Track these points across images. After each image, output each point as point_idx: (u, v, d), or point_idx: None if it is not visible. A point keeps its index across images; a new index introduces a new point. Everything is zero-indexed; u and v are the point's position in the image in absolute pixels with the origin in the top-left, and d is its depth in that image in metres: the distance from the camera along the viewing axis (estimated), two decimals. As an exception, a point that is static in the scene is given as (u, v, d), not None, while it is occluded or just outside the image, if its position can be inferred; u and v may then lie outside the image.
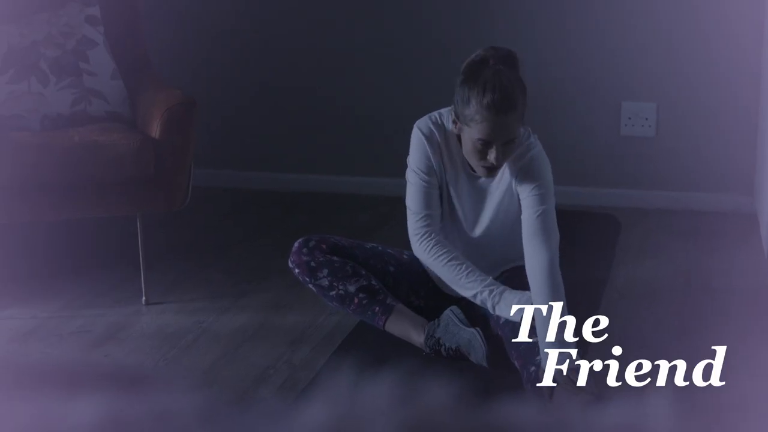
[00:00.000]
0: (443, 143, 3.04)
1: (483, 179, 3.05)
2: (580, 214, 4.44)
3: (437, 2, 4.63)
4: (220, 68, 4.99)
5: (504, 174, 3.01)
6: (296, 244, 3.19)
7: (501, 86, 2.84)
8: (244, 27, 4.93)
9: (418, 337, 3.05)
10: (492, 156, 2.87)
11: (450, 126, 3.03)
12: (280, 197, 4.88)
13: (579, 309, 3.35)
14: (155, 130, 3.57)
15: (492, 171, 2.94)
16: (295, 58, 4.91)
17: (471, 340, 2.94)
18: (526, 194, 2.97)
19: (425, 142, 3.02)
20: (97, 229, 4.39)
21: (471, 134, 2.88)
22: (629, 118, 4.61)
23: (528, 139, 3.01)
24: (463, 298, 3.17)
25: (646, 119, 4.59)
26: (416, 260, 3.23)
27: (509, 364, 2.91)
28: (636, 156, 4.64)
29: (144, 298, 3.68)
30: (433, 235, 3.05)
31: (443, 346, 2.99)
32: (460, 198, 3.08)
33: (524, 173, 2.98)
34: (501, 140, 2.86)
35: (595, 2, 4.56)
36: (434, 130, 3.03)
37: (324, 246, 3.16)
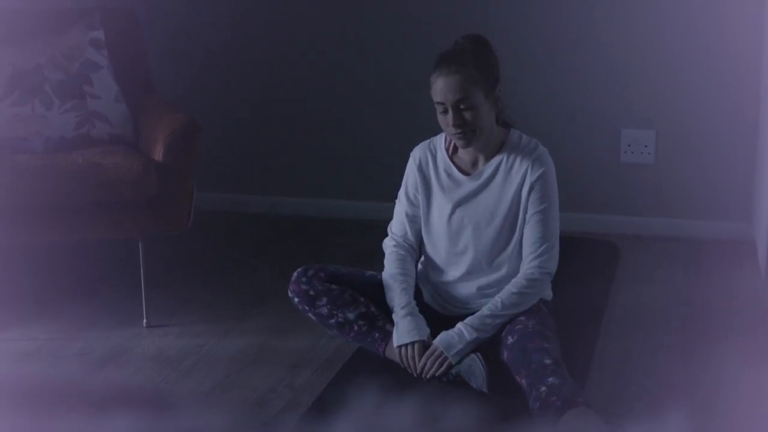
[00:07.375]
0: (430, 158, 3.12)
1: (473, 181, 3.06)
2: (579, 241, 4.45)
3: (442, 32, 4.65)
4: (220, 92, 5.01)
5: (501, 168, 3.04)
6: (295, 274, 3.19)
7: (448, 50, 2.98)
8: (243, 53, 4.95)
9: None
10: (449, 119, 2.95)
11: (442, 145, 3.10)
12: (282, 221, 4.90)
13: (578, 335, 3.36)
14: (158, 153, 3.58)
15: (462, 137, 2.98)
16: (296, 84, 4.93)
17: (471, 365, 2.94)
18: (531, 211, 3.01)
19: (412, 165, 3.14)
20: (99, 251, 4.40)
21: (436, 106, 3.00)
22: (629, 145, 4.63)
23: (536, 145, 3.05)
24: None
25: (646, 146, 4.61)
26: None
27: (511, 389, 2.91)
28: (635, 183, 4.66)
29: (145, 320, 3.68)
30: (397, 249, 3.14)
31: (443, 372, 2.99)
32: (440, 211, 3.11)
33: (536, 181, 3.01)
34: (450, 100, 2.94)
35: (595, 31, 4.59)
36: (424, 149, 3.14)
37: (323, 275, 3.17)
